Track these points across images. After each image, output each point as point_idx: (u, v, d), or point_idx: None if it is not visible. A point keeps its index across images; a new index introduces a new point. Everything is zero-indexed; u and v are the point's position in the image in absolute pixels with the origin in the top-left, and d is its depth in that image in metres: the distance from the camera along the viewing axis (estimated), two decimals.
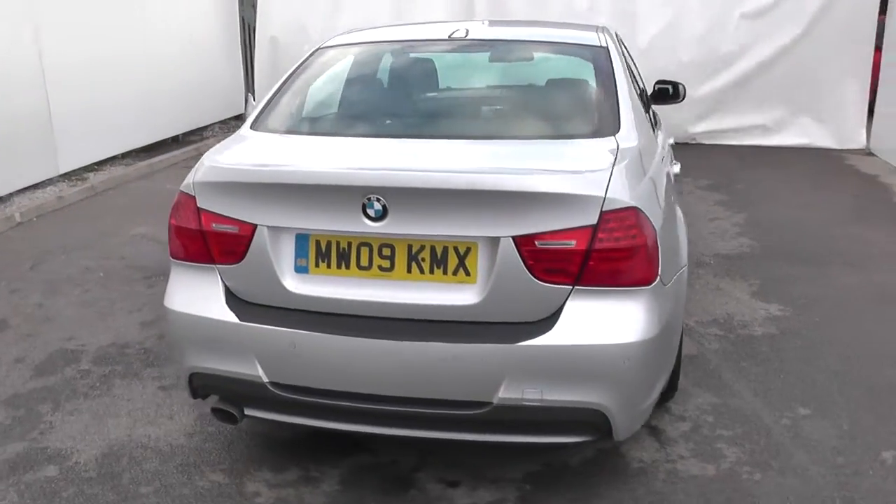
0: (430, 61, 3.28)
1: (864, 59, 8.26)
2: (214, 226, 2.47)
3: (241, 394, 2.56)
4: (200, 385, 2.63)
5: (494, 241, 2.27)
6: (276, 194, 2.39)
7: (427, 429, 2.43)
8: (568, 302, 2.30)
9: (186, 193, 2.54)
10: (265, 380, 2.45)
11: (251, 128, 2.92)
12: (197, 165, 2.62)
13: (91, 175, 7.33)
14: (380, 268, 2.35)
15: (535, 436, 2.43)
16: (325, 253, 2.39)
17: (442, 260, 2.31)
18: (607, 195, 2.25)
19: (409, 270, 2.34)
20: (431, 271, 2.33)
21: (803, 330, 4.06)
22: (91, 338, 4.04)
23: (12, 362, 3.79)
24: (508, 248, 2.25)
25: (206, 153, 2.66)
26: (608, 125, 2.69)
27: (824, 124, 8.45)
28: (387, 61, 3.28)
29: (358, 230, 2.31)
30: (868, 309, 4.33)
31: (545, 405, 2.30)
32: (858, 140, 8.40)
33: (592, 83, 2.90)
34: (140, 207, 6.49)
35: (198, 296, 2.54)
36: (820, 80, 8.37)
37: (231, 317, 2.46)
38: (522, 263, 2.25)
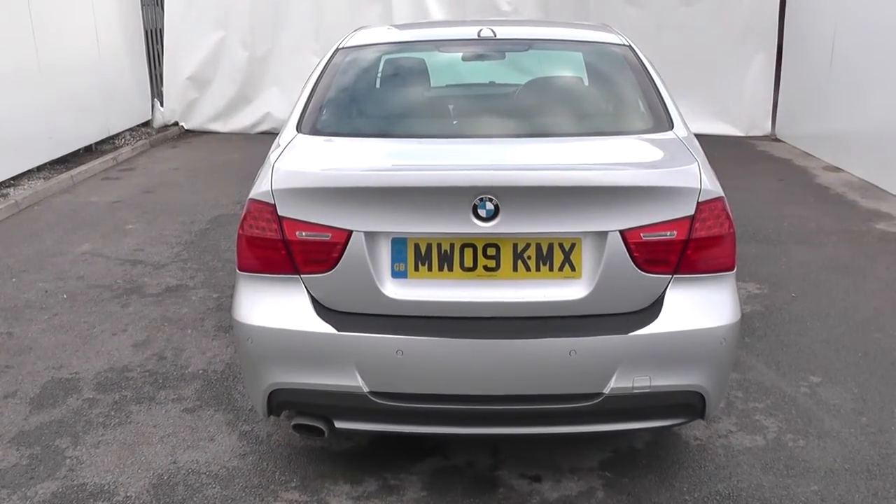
0: (470, 60, 3.26)
1: (767, 50, 8.88)
2: (300, 234, 2.37)
3: (333, 407, 2.47)
4: (281, 402, 2.51)
5: (601, 236, 2.31)
6: (373, 198, 2.33)
7: (537, 425, 2.45)
8: (668, 290, 2.38)
9: (262, 202, 2.41)
10: (365, 390, 2.38)
11: (298, 131, 2.80)
12: (267, 172, 2.48)
13: (11, 191, 6.74)
14: (485, 268, 2.34)
15: (637, 422, 2.51)
16: (426, 256, 2.35)
17: (547, 257, 2.34)
18: (702, 186, 2.36)
19: (514, 269, 2.34)
20: (538, 268, 2.34)
21: (784, 305, 4.37)
22: (83, 364, 3.75)
23: (1, 398, 3.45)
24: (616, 242, 2.30)
25: (275, 160, 2.52)
26: (663, 120, 2.81)
27: (731, 113, 9.03)
28: (426, 61, 3.23)
29: (466, 231, 2.29)
30: (830, 281, 4.71)
31: (652, 391, 2.37)
32: (764, 127, 9.05)
33: (634, 79, 3.00)
34: (74, 223, 6.04)
35: (280, 308, 2.43)
36: (726, 71, 8.93)
37: (326, 328, 2.37)
38: (629, 256, 2.32)
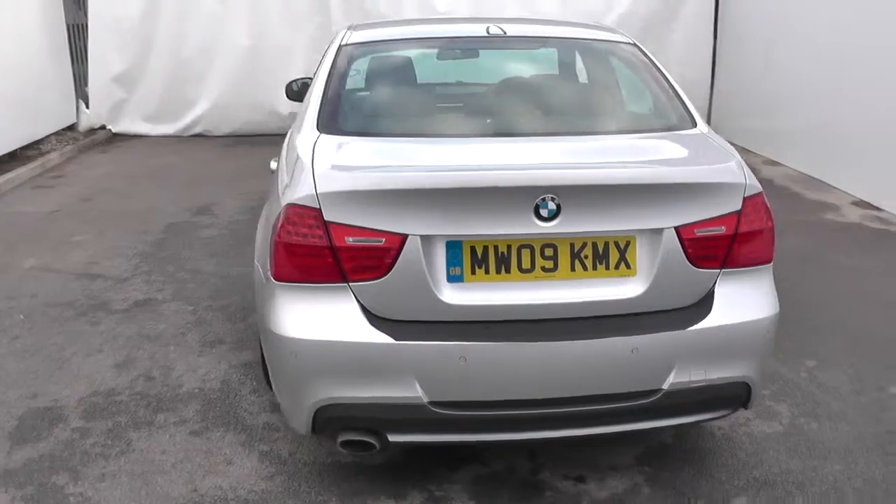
0: (485, 59, 3.19)
1: (703, 45, 9.14)
2: (349, 239, 2.25)
3: (387, 420, 2.36)
4: (328, 418, 2.38)
5: (656, 233, 2.31)
6: (429, 200, 2.24)
7: (598, 425, 2.42)
8: (717, 285, 2.41)
9: (303, 206, 2.27)
10: (425, 400, 2.28)
11: (320, 131, 2.65)
12: (304, 174, 2.33)
13: None
14: (543, 269, 2.30)
15: (691, 416, 2.52)
16: (482, 259, 2.28)
17: (604, 255, 2.31)
18: (747, 181, 2.39)
19: (572, 269, 2.31)
20: (594, 267, 2.32)
21: None
22: (61, 391, 3.46)
23: None
24: (671, 239, 2.30)
25: (311, 161, 2.38)
26: (685, 117, 2.84)
27: None
28: (441, 59, 3.14)
29: (527, 232, 2.23)
30: (798, 269, 4.91)
31: (707, 384, 2.39)
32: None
33: (651, 77, 3.01)
34: (11, 237, 5.62)
35: (329, 319, 2.30)
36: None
37: (383, 338, 2.26)
38: (683, 252, 2.32)
